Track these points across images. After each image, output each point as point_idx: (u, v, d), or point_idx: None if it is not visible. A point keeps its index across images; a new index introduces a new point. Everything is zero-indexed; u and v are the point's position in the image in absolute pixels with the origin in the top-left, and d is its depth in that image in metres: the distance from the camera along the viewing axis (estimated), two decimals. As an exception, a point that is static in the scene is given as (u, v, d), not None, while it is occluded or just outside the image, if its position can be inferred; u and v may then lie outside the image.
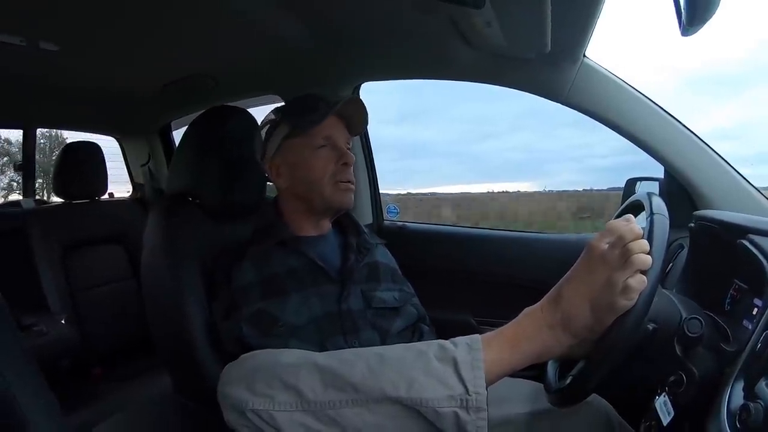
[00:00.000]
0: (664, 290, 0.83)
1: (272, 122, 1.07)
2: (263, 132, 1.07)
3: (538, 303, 0.70)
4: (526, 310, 0.70)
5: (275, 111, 1.09)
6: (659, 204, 0.71)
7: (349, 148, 1.07)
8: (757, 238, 0.79)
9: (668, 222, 0.69)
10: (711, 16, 0.65)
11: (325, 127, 1.02)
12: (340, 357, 0.72)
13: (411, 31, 1.25)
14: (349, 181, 1.04)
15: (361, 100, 1.07)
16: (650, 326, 0.71)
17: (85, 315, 1.91)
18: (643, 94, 1.25)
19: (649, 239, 0.66)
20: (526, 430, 0.91)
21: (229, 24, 1.26)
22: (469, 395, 0.63)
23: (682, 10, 0.67)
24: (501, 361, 0.66)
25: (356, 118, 1.08)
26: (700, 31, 0.70)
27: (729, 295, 0.83)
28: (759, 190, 1.19)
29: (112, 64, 1.59)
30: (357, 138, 1.71)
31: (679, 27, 0.69)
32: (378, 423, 0.66)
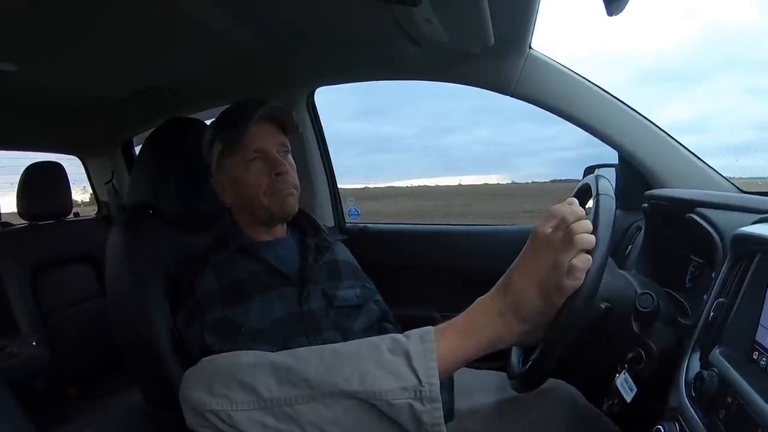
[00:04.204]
0: (621, 271, 0.84)
1: (209, 141, 1.05)
2: (205, 151, 1.07)
3: (488, 292, 0.70)
4: (478, 299, 0.70)
5: (210, 127, 1.07)
6: (605, 185, 0.72)
7: (286, 151, 1.05)
8: (705, 211, 0.81)
9: (614, 201, 0.69)
10: None
11: (254, 139, 0.99)
12: (295, 354, 0.72)
13: (360, 34, 1.26)
14: (285, 189, 1.02)
15: (281, 104, 1.04)
16: (603, 305, 0.72)
17: (56, 335, 1.90)
18: (591, 81, 1.27)
19: (595, 219, 0.66)
20: (494, 419, 0.92)
21: (182, 35, 1.26)
22: (422, 386, 0.62)
23: None
24: (454, 350, 0.66)
25: (288, 119, 1.06)
26: (626, 10, 0.71)
27: (689, 272, 0.85)
28: (710, 166, 1.21)
29: (70, 81, 1.58)
30: (313, 140, 1.70)
31: (606, 7, 0.71)
32: (334, 418, 0.65)
